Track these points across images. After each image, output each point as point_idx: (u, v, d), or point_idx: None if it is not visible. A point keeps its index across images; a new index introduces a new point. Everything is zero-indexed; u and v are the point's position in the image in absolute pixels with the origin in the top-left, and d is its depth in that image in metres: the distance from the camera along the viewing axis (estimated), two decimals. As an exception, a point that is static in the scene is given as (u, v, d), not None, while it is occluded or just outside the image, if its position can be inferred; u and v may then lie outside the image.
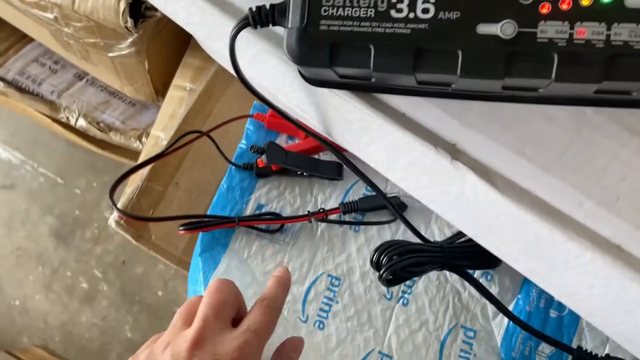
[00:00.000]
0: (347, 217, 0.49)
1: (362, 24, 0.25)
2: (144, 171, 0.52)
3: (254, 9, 0.28)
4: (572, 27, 0.23)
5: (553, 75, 0.23)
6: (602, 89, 0.24)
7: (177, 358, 0.30)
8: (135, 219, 0.50)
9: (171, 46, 0.61)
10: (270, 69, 0.33)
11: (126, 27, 0.50)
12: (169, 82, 0.63)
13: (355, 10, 0.25)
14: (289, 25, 0.26)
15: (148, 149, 0.55)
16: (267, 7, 0.28)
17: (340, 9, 0.26)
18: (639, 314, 0.28)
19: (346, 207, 0.47)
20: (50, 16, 0.54)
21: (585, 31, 0.23)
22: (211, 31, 0.34)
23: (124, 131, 0.69)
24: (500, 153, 0.28)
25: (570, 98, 0.27)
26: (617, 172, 0.27)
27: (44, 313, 1.20)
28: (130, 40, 0.54)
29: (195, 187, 0.53)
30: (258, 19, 0.28)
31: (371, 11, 0.25)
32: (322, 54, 0.26)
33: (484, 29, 0.24)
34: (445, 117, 0.29)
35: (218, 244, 0.47)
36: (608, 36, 0.23)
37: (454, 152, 0.29)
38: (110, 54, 0.58)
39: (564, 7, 0.23)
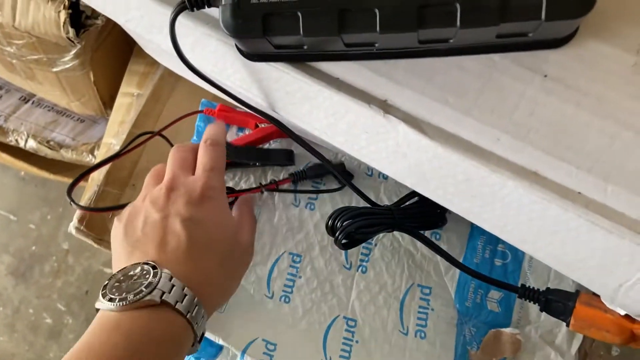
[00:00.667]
0: (299, 187, 0.51)
1: (289, -6, 0.28)
2: (100, 176, 0.53)
3: (189, -9, 0.31)
4: (469, -21, 0.27)
5: (458, 22, 0.27)
6: (501, 32, 0.28)
7: (155, 202, 0.37)
8: (98, 211, 0.50)
9: (115, 55, 0.62)
10: (211, 52, 0.35)
11: (68, 38, 0.51)
12: (116, 94, 0.64)
13: (282, -15, 0.28)
14: (223, 2, 0.29)
15: (101, 156, 0.56)
16: (202, -13, 0.30)
17: (268, -17, 0.28)
18: (561, 233, 0.31)
19: (295, 176, 0.50)
20: (-9, 36, 0.54)
21: (480, -19, 0.27)
22: (152, 23, 0.36)
23: (75, 147, 0.70)
24: (426, 103, 0.31)
25: (478, 46, 0.30)
26: (525, 108, 0.30)
27: (10, 354, 1.17)
28: (73, 52, 0.55)
29: (152, 186, 0.54)
30: (194, 2, 0.31)
31: (296, -17, 0.28)
32: (255, 25, 0.28)
33: (395, -11, 0.27)
34: (374, 76, 0.32)
35: (179, 235, 0.48)
36: (500, -16, 0.26)
37: (386, 107, 0.32)
38: (55, 69, 0.58)
39: (461, -38, 0.27)
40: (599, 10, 0.28)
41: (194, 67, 0.35)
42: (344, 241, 0.41)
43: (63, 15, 0.49)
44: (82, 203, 0.52)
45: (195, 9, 0.31)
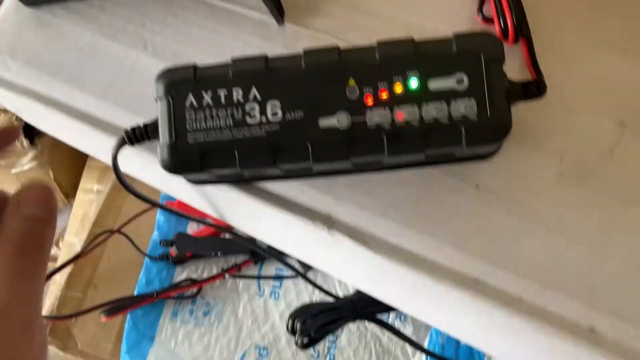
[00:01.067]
0: (263, 272, 0.51)
1: (223, 132, 0.29)
2: (61, 280, 0.53)
3: (129, 130, 0.31)
4: (392, 112, 0.28)
5: (386, 152, 0.28)
6: (429, 155, 0.29)
7: None
8: (60, 318, 0.50)
9: (74, 150, 0.62)
10: (157, 175, 0.36)
11: (23, 147, 0.52)
12: (77, 183, 0.64)
13: (216, 121, 0.29)
14: (161, 142, 0.30)
15: (63, 256, 0.55)
16: (141, 126, 0.31)
17: (203, 122, 0.29)
18: (509, 335, 0.32)
19: (256, 257, 0.50)
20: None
21: (403, 114, 0.28)
22: (98, 150, 0.37)
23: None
24: (368, 217, 0.32)
25: (412, 163, 0.31)
26: (462, 217, 0.31)
27: None
28: (31, 155, 0.56)
29: (115, 286, 0.54)
30: (134, 138, 0.31)
31: (229, 120, 0.29)
32: (193, 164, 0.29)
33: (324, 122, 0.28)
34: (316, 193, 0.33)
35: (144, 338, 0.48)
36: (421, 115, 0.28)
37: (330, 222, 0.33)
38: (14, 170, 0.59)
39: (384, 96, 0.28)
40: (521, 119, 0.30)
41: (141, 195, 0.35)
42: (305, 341, 0.41)
43: (16, 125, 0.50)
44: (45, 310, 0.52)
45: (135, 143, 0.32)
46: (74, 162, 0.63)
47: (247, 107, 0.29)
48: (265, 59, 0.30)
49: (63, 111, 0.35)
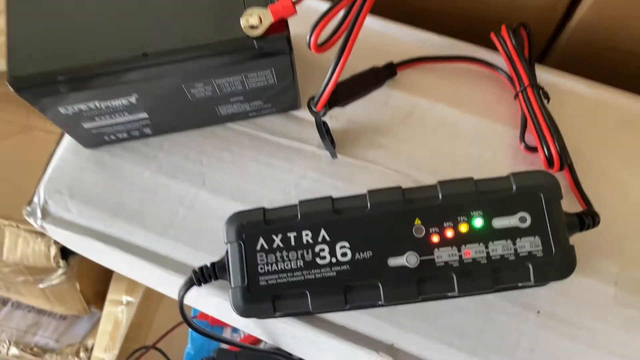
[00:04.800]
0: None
1: (295, 274, 0.30)
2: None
3: (197, 271, 0.32)
4: (459, 250, 0.29)
5: (456, 289, 0.29)
6: (497, 289, 0.30)
7: None
8: None
9: (101, 262, 0.62)
10: (214, 305, 0.36)
11: (58, 266, 0.52)
12: (99, 291, 0.63)
13: (287, 264, 0.30)
14: (232, 285, 0.30)
15: (94, 374, 0.54)
16: (208, 266, 0.32)
17: (274, 264, 0.30)
18: None
19: None
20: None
21: (470, 252, 0.29)
22: (156, 283, 0.37)
23: (60, 350, 0.67)
24: (432, 346, 0.33)
25: (475, 293, 0.32)
26: (526, 344, 0.32)
27: None
28: (61, 271, 0.55)
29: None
30: (202, 278, 0.32)
31: (300, 262, 0.30)
32: (266, 307, 0.30)
33: (394, 261, 0.30)
34: (379, 323, 0.34)
35: None
36: (488, 253, 0.29)
37: (393, 352, 0.33)
38: (41, 285, 0.58)
39: (449, 235, 0.29)
40: (574, 243, 0.31)
41: (210, 334, 0.35)
42: None
43: (54, 250, 0.50)
44: None
45: (202, 284, 0.32)
46: (100, 271, 0.63)
47: (317, 249, 0.30)
48: (331, 200, 0.31)
49: (124, 249, 0.35)
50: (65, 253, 0.52)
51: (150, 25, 0.29)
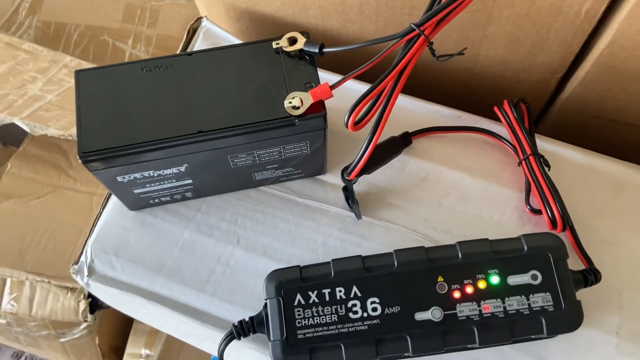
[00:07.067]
0: None
1: (330, 327, 0.33)
2: None
3: (237, 325, 0.35)
4: (479, 305, 0.33)
5: (477, 341, 0.32)
6: (513, 340, 0.33)
7: None
8: None
9: (120, 315, 0.64)
10: (249, 356, 0.39)
11: (85, 321, 0.54)
12: (115, 345, 0.65)
13: (323, 318, 0.33)
14: (272, 339, 0.33)
15: None
16: (247, 320, 0.35)
17: (311, 319, 0.33)
18: None
19: None
20: (3, 321, 0.56)
21: (489, 306, 0.32)
22: (192, 337, 0.40)
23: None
24: (453, 394, 0.35)
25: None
26: (540, 392, 0.35)
27: None
28: (84, 325, 0.57)
29: None
30: (241, 332, 0.35)
31: (335, 316, 0.33)
32: (303, 358, 0.33)
33: (420, 316, 0.33)
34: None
35: None
36: (504, 307, 0.32)
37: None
38: (62, 339, 0.60)
39: (469, 291, 0.33)
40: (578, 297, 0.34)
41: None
42: None
43: (83, 304, 0.52)
44: None
45: (242, 337, 0.35)
46: (119, 324, 0.65)
47: (350, 304, 0.33)
48: (361, 259, 0.34)
49: (164, 304, 0.38)
50: (92, 308, 0.54)
51: (206, 106, 0.33)
